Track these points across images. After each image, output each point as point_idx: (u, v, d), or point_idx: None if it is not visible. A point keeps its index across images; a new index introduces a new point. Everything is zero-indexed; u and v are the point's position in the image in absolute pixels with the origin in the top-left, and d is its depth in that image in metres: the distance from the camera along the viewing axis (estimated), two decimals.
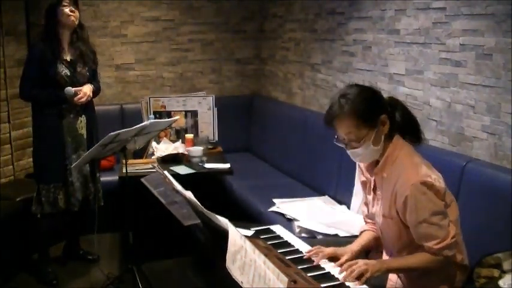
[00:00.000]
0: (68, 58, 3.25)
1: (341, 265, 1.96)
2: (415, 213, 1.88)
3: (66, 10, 3.17)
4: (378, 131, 1.95)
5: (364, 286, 1.81)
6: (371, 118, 1.93)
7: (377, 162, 2.03)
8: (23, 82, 3.25)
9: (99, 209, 3.48)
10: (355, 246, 2.14)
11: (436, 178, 1.92)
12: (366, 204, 2.23)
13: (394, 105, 2.04)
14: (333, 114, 1.97)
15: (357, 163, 2.19)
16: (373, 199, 2.11)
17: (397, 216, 1.97)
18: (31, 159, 3.50)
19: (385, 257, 2.16)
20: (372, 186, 2.10)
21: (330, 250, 2.07)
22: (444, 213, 1.92)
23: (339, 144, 2.02)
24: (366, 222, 2.27)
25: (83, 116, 3.34)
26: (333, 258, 2.06)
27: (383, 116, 1.95)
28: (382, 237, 2.13)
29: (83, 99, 3.23)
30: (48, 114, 3.23)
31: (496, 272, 1.93)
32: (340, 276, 1.88)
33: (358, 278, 1.84)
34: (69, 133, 3.28)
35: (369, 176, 2.12)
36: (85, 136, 3.36)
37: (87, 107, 3.37)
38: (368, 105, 1.94)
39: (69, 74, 3.23)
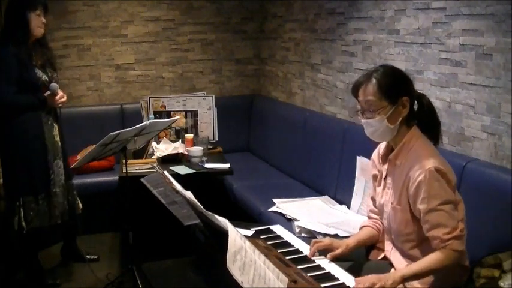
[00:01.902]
0: (39, 63, 3.20)
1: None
2: (427, 199, 1.90)
3: (38, 22, 3.10)
4: (396, 110, 1.99)
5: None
6: (393, 94, 1.98)
7: (392, 149, 2.07)
8: (2, 87, 3.04)
9: (99, 210, 3.48)
10: (352, 241, 2.17)
11: (450, 170, 1.96)
12: (373, 198, 2.25)
13: (421, 100, 2.08)
14: (360, 81, 2.04)
15: (358, 162, 2.19)
16: (383, 188, 2.13)
17: (406, 203, 1.99)
18: (0, 168, 3.30)
19: (387, 249, 2.16)
20: (384, 176, 2.12)
21: (326, 241, 2.11)
22: (455, 204, 1.94)
23: (357, 115, 2.08)
24: (369, 218, 2.28)
25: (56, 123, 3.31)
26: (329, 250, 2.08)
27: (405, 98, 2.00)
28: (388, 229, 2.14)
29: (63, 99, 3.22)
30: (32, 120, 3.14)
31: (496, 272, 1.93)
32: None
33: None
34: (48, 140, 3.22)
35: (381, 167, 2.15)
36: (59, 144, 3.31)
37: (56, 116, 3.33)
38: (394, 81, 2.00)
39: (47, 78, 3.19)
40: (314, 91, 4.21)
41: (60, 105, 3.24)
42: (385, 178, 2.12)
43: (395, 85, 2.00)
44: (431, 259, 1.89)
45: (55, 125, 3.29)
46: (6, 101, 3.09)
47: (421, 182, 1.90)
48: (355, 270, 2.00)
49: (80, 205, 3.49)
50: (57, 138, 3.30)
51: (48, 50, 3.31)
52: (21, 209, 3.16)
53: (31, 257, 3.40)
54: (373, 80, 1.99)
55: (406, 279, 1.88)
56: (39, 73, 3.16)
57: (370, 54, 3.44)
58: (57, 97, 3.18)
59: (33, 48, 3.20)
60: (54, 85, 3.16)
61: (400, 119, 2.01)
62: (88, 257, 3.69)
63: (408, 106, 2.01)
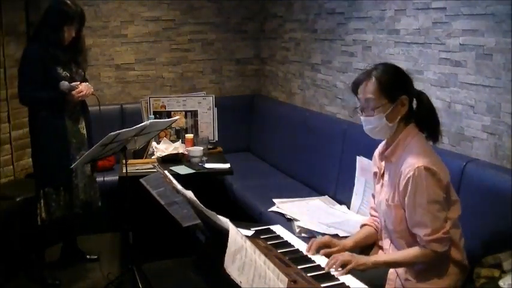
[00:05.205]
0: (62, 61, 3.24)
1: (327, 255, 2.02)
2: (413, 196, 1.92)
3: (69, 34, 3.19)
4: (396, 108, 2.01)
5: (364, 286, 1.81)
6: (392, 92, 2.00)
7: (389, 146, 2.09)
8: (23, 86, 3.18)
9: (97, 209, 3.49)
10: (349, 242, 2.18)
11: (442, 169, 1.96)
12: (373, 196, 2.26)
13: (421, 99, 2.09)
14: (360, 79, 2.07)
15: (358, 162, 2.20)
16: (381, 186, 2.15)
17: (399, 200, 2.00)
18: (31, 159, 3.43)
19: (385, 247, 2.17)
20: (381, 173, 2.14)
21: (325, 239, 2.13)
22: (442, 205, 1.94)
23: (357, 112, 2.10)
24: (371, 215, 2.30)
25: (82, 116, 3.37)
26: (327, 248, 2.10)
27: (404, 97, 2.01)
28: (384, 226, 2.15)
29: (83, 93, 3.22)
30: (52, 114, 3.21)
31: (496, 272, 1.93)
32: (324, 264, 1.93)
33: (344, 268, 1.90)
34: (72, 134, 3.29)
35: (380, 164, 2.16)
36: (86, 136, 3.38)
37: (84, 108, 3.39)
38: (393, 79, 2.03)
39: (69, 75, 3.25)
40: (314, 91, 4.21)
41: (81, 99, 3.26)
42: (382, 175, 2.14)
43: (394, 83, 2.01)
44: (408, 253, 1.96)
45: (81, 118, 3.36)
46: (25, 99, 3.22)
47: (410, 178, 1.92)
48: (355, 270, 2.00)
49: (100, 201, 3.53)
50: (83, 131, 3.36)
51: (77, 48, 3.33)
52: (42, 200, 3.25)
53: (38, 254, 3.43)
54: (373, 78, 2.01)
55: (377, 265, 1.97)
56: (60, 70, 3.21)
57: (370, 54, 3.44)
58: (73, 92, 3.20)
59: (64, 47, 3.25)
60: (63, 83, 3.18)
61: (399, 117, 2.02)
62: (88, 256, 3.70)
63: (407, 105, 2.02)
